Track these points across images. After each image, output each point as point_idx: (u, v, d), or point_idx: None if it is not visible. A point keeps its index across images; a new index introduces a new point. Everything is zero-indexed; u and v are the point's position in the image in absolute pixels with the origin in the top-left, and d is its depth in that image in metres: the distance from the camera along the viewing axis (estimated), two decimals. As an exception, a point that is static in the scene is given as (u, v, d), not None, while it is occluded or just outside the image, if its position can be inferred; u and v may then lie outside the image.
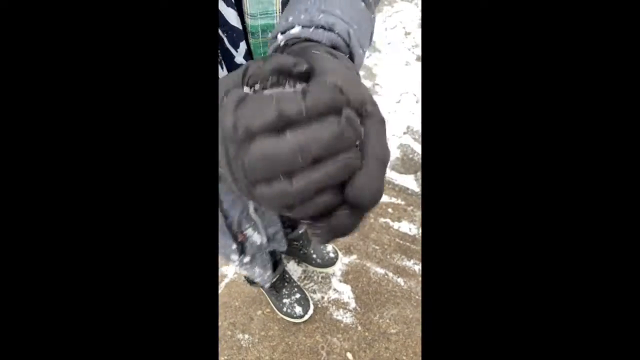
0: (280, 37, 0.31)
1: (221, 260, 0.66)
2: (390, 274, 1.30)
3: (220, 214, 0.53)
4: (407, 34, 2.17)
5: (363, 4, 0.38)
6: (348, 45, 0.32)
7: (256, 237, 0.56)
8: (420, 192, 1.50)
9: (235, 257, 0.58)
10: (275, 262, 1.09)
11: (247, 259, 0.59)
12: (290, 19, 0.32)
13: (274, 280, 1.15)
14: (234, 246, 0.56)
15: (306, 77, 0.24)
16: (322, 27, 0.31)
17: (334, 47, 0.31)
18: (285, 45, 0.30)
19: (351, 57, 0.32)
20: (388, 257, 1.34)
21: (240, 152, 0.21)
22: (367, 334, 1.19)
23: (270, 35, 0.34)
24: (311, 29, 0.31)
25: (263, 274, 0.62)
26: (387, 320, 1.21)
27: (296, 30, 0.31)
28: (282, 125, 0.20)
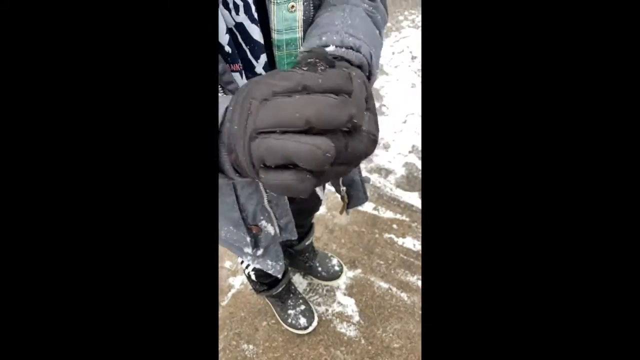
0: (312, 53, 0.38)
1: (234, 254, 0.70)
2: (394, 289, 1.32)
3: (236, 209, 0.58)
4: (413, 57, 2.25)
5: (377, 31, 0.46)
6: (369, 64, 0.40)
7: (270, 229, 0.60)
8: (424, 210, 1.53)
9: (249, 249, 0.63)
10: (277, 280, 1.11)
11: (260, 252, 0.63)
12: (324, 38, 0.39)
13: (280, 290, 1.17)
14: (248, 239, 0.61)
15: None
16: (351, 48, 0.38)
17: (360, 66, 0.38)
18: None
19: (369, 76, 0.40)
20: (392, 272, 1.37)
21: (258, 107, 0.25)
22: (370, 347, 1.20)
23: (300, 49, 0.41)
24: (343, 49, 0.38)
25: (275, 265, 0.66)
26: (390, 335, 1.22)
27: (331, 48, 0.38)
28: (298, 91, 0.24)
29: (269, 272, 0.66)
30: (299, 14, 0.45)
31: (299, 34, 0.46)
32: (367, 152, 0.27)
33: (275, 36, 0.46)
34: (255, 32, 0.45)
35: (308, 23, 0.45)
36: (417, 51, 2.29)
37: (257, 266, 0.68)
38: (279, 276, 0.71)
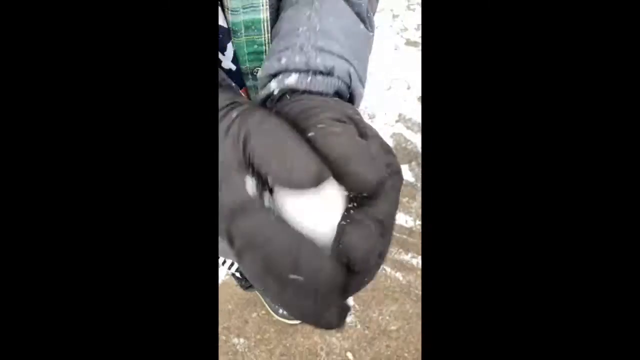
0: (273, 84, 0.28)
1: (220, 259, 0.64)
2: (388, 269, 1.26)
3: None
4: (395, 16, 2.09)
5: (362, 25, 0.33)
6: (349, 86, 0.29)
7: None
8: (415, 183, 1.45)
9: (221, 261, 0.56)
10: None
11: (235, 267, 0.56)
12: (284, 60, 0.28)
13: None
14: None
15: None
16: (321, 73, 0.28)
17: (336, 93, 0.29)
18: (281, 96, 0.28)
19: (351, 98, 0.30)
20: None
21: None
22: (366, 332, 1.16)
23: (259, 74, 0.30)
24: (309, 78, 0.27)
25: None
26: (387, 317, 1.18)
27: (292, 80, 0.27)
28: None
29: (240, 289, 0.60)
30: None
31: (264, 14, 0.34)
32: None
33: (230, 17, 0.34)
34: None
35: None
36: (399, 9, 2.12)
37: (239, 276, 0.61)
38: None
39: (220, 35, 0.35)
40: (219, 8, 0.34)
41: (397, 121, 1.64)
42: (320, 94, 0.27)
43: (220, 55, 0.36)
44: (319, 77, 0.28)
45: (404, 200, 1.41)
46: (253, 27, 0.34)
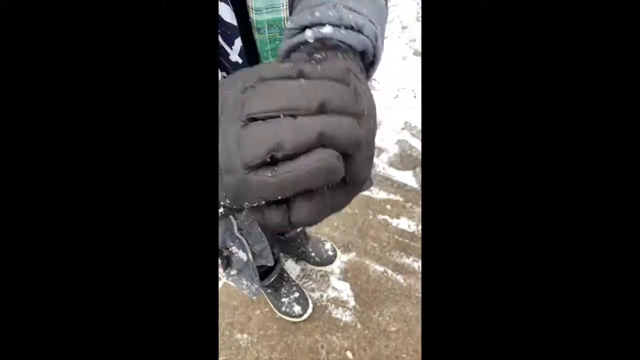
0: (308, 32, 0.30)
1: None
2: (390, 272, 1.29)
3: None
4: (403, 28, 2.15)
5: (384, 1, 0.36)
6: (374, 47, 0.31)
7: (242, 255, 0.55)
8: (418, 189, 1.48)
9: (220, 270, 0.58)
10: (269, 269, 1.07)
11: (234, 272, 0.58)
12: (317, 14, 0.30)
13: (272, 280, 1.13)
14: (219, 260, 0.56)
15: None
16: (352, 28, 0.30)
17: (363, 51, 0.30)
18: (314, 41, 0.29)
19: (373, 61, 0.32)
20: (387, 254, 1.33)
21: (250, 91, 0.20)
22: (366, 332, 1.18)
23: (288, 24, 0.32)
24: (342, 30, 0.29)
25: (250, 286, 0.61)
26: (387, 318, 1.20)
27: (328, 30, 0.29)
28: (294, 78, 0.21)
29: (243, 292, 0.62)
30: None
31: (284, 14, 0.38)
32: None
33: (254, 16, 0.38)
34: (225, 12, 0.37)
35: None
36: (408, 21, 2.18)
37: (232, 284, 0.64)
38: (271, 264, 0.66)
39: (229, 32, 0.39)
40: (229, 7, 0.37)
41: (402, 128, 1.68)
42: (350, 47, 0.30)
43: (228, 49, 0.40)
44: (351, 32, 0.29)
45: (407, 205, 1.44)
46: (275, 26, 0.39)
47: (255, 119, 0.20)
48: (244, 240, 0.53)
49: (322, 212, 0.21)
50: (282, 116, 0.19)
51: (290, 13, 0.38)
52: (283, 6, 0.38)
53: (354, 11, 0.30)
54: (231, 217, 0.50)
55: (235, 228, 0.50)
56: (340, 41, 0.29)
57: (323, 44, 0.29)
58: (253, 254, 0.56)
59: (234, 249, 0.54)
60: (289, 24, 0.31)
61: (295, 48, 0.30)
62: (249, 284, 0.60)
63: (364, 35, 0.30)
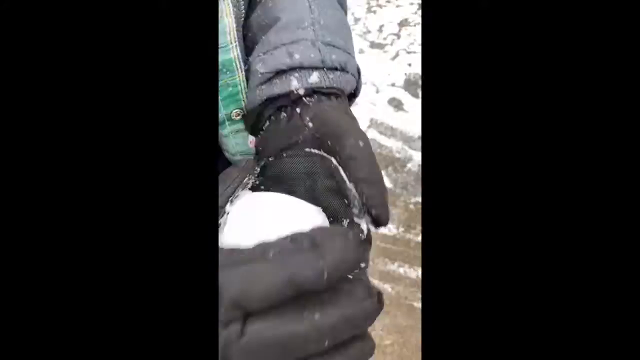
0: (295, 82, 0.27)
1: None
2: (376, 281, 1.23)
3: None
4: (356, 20, 2.08)
5: (342, 11, 0.35)
6: (357, 82, 0.31)
7: None
8: (393, 189, 1.44)
9: None
10: None
11: None
12: (297, 56, 0.28)
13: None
14: None
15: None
16: (336, 68, 0.28)
17: (354, 92, 0.31)
18: (304, 96, 0.28)
19: (354, 92, 0.32)
20: (370, 263, 1.27)
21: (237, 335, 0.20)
22: (360, 350, 1.12)
23: (258, 67, 0.28)
24: (331, 75, 0.28)
25: None
26: (380, 332, 1.14)
27: (315, 79, 0.27)
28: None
29: None
30: (229, 20, 0.29)
31: (233, 53, 0.30)
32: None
33: None
34: None
35: (243, 28, 0.31)
36: (360, 12, 2.10)
37: None
38: None
39: None
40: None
41: (369, 126, 1.61)
42: (341, 90, 0.28)
43: None
44: (338, 74, 0.28)
45: (384, 208, 1.39)
46: (225, 70, 0.30)
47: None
48: None
49: None
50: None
51: (246, 51, 0.31)
52: (232, 44, 0.29)
53: (334, 46, 0.28)
54: None
55: None
56: (331, 88, 0.28)
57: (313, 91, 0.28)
58: None
59: None
60: (259, 67, 0.28)
61: (274, 99, 0.28)
62: None
63: (349, 72, 0.29)
